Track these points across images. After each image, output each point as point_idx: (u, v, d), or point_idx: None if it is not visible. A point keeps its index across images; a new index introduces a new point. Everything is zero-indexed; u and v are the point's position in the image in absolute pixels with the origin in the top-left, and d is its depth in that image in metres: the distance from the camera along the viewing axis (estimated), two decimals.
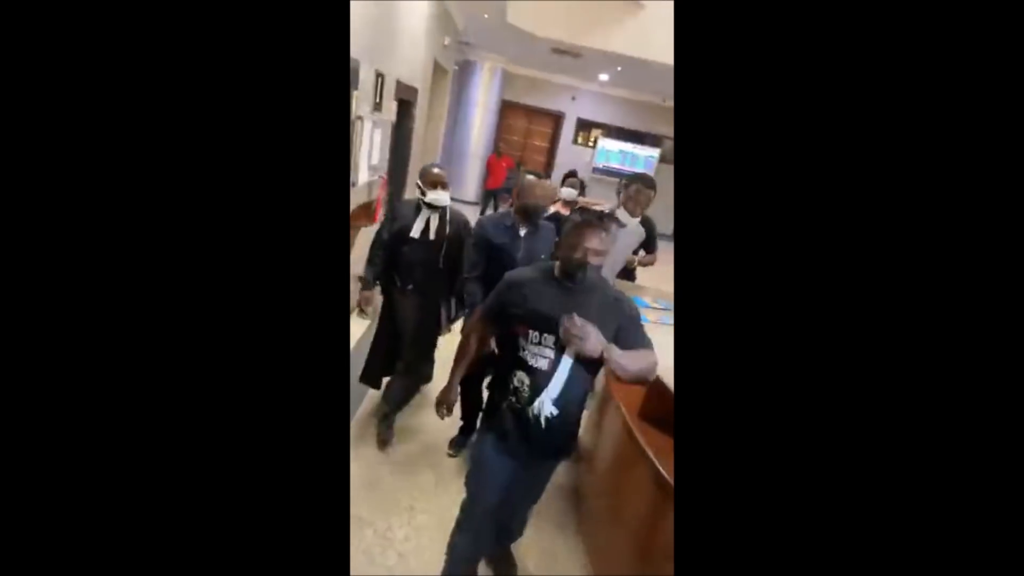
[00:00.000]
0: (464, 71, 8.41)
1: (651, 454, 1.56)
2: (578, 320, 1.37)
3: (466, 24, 6.37)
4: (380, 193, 1.59)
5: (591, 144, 9.64)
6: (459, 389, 1.76)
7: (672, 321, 2.54)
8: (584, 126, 9.69)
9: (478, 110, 8.66)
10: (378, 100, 3.53)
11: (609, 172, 9.30)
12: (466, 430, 2.61)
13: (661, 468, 1.50)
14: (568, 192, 3.05)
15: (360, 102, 3.19)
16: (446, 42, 5.90)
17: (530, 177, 2.35)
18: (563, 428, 1.52)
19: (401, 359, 2.55)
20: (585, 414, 1.75)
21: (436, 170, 2.38)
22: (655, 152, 9.34)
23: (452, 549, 1.73)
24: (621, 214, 2.62)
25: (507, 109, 9.41)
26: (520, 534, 1.93)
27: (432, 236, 2.36)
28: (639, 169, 9.10)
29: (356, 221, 1.58)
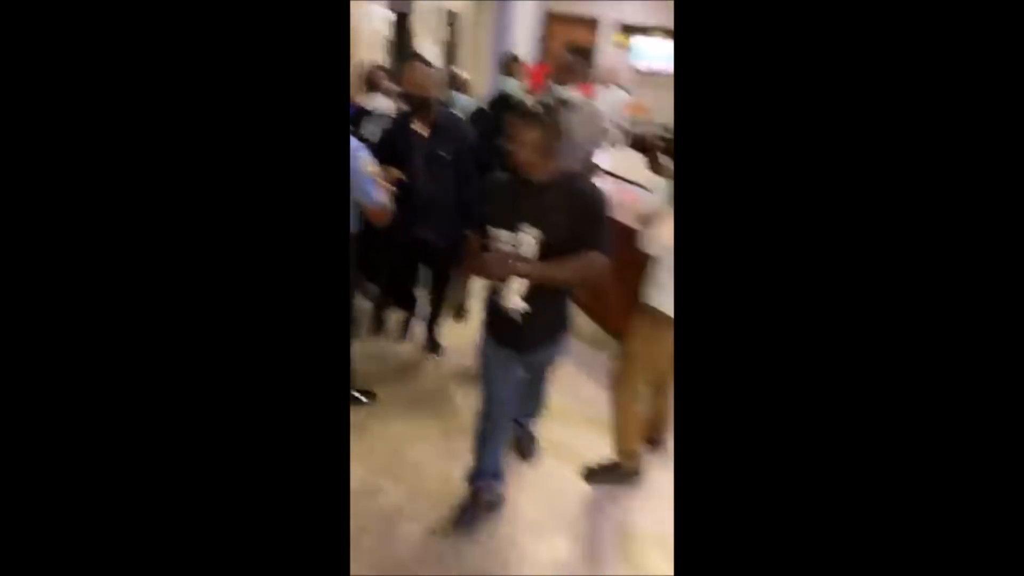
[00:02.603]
0: None
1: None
2: (483, 257, 1.41)
3: None
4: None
5: (627, 46, 10.23)
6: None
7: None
8: (628, 29, 10.26)
9: (522, 23, 9.52)
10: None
11: (652, 72, 9.97)
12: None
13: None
14: None
15: (418, 26, 4.49)
16: None
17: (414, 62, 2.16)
18: (541, 322, 1.57)
19: None
20: None
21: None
22: None
23: (477, 443, 1.80)
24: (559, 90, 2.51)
25: (551, 20, 10.18)
26: (538, 414, 2.09)
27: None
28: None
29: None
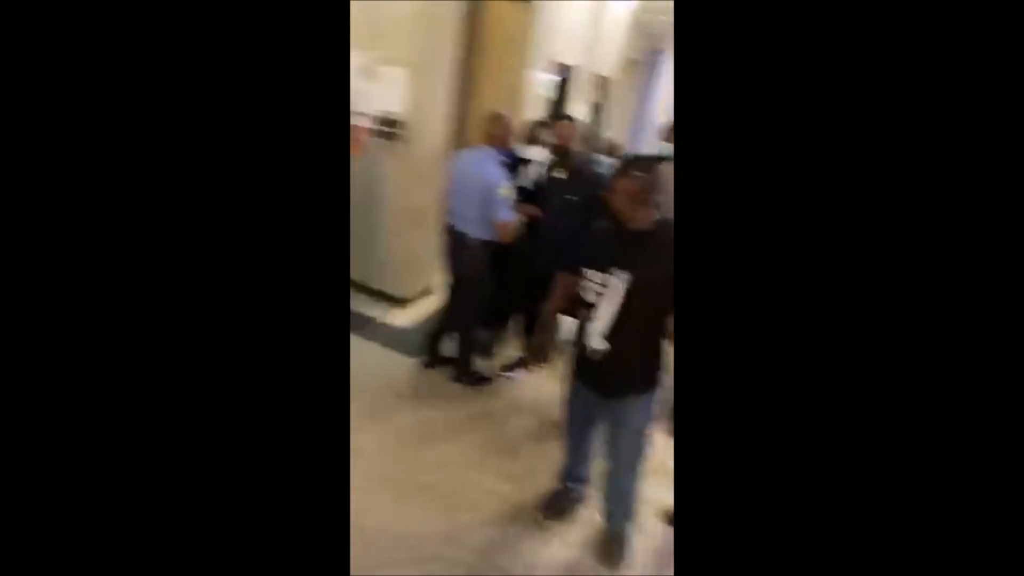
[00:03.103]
0: (655, 56, 10.33)
1: None
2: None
3: (653, 25, 8.39)
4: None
5: None
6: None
7: None
8: None
9: (664, 86, 10.53)
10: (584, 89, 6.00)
11: None
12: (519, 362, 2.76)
13: None
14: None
15: (573, 89, 5.73)
16: (637, 39, 8.05)
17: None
18: (620, 366, 1.54)
19: None
20: None
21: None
22: None
23: (564, 456, 1.97)
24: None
25: None
26: (629, 474, 1.76)
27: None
28: None
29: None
